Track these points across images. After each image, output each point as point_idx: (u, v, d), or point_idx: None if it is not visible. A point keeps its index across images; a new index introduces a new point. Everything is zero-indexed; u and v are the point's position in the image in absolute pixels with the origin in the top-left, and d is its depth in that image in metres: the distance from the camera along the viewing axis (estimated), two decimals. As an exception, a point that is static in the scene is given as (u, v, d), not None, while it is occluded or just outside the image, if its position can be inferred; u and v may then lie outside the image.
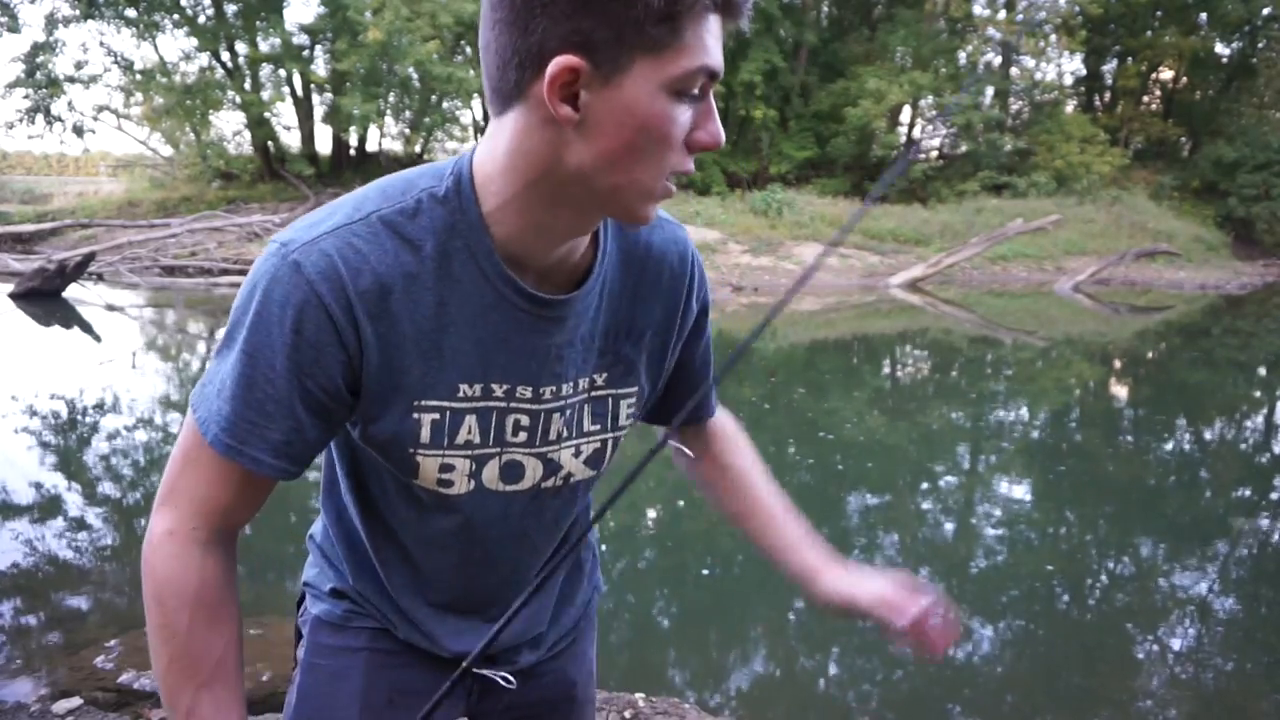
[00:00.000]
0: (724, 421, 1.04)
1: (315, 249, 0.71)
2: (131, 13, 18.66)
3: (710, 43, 0.67)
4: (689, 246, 0.90)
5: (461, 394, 0.78)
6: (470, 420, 0.80)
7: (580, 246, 0.79)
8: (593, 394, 0.86)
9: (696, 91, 0.67)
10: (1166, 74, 23.49)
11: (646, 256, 0.85)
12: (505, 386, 0.79)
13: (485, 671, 0.98)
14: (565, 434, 0.84)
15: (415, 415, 0.78)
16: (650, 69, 0.65)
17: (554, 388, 0.82)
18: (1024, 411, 6.95)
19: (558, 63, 0.64)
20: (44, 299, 9.80)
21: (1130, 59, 22.78)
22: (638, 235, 0.84)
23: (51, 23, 18.48)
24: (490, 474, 0.83)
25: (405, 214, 0.73)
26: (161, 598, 0.76)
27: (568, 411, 0.84)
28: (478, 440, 0.80)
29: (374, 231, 0.72)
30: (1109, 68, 23.97)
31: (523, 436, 0.82)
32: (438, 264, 0.73)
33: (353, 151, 21.96)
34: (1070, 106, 23.22)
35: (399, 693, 0.96)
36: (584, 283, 0.80)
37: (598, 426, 0.87)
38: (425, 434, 0.79)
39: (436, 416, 0.78)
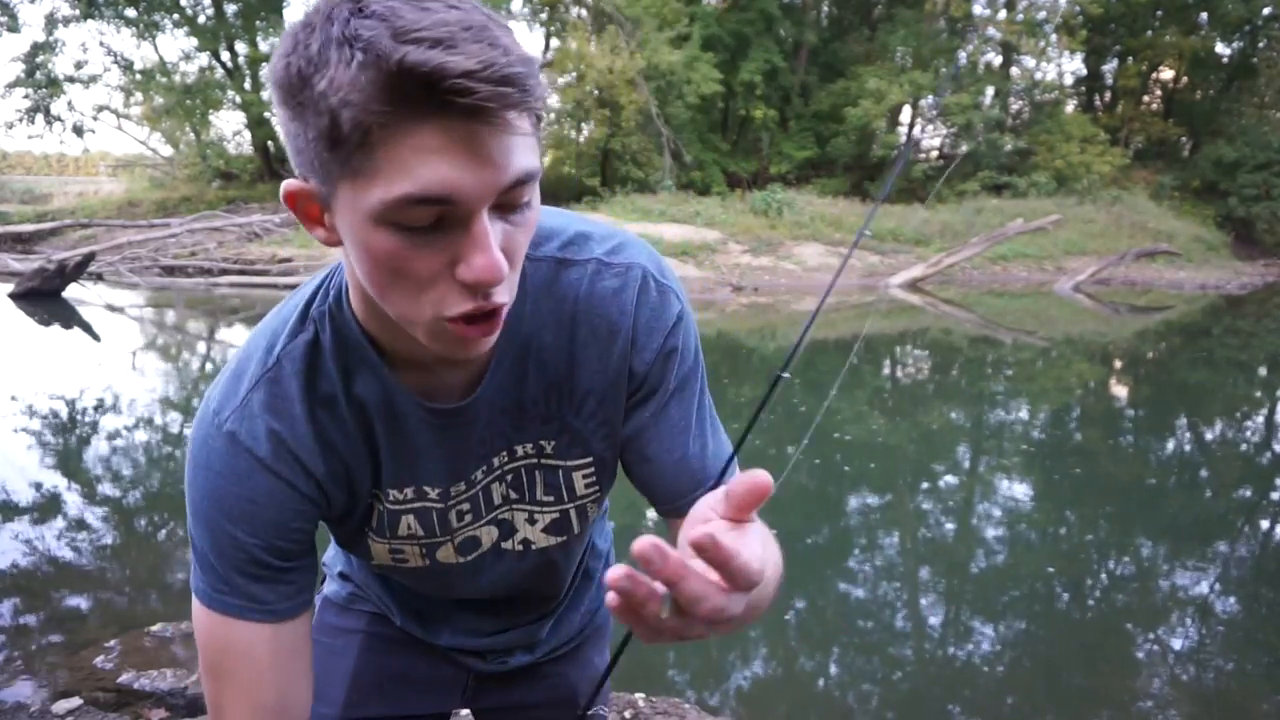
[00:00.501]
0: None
1: (245, 413, 0.69)
2: (131, 12, 18.68)
3: (413, 163, 0.51)
4: (635, 295, 0.73)
5: (393, 498, 0.76)
6: (408, 519, 0.78)
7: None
8: (542, 461, 0.78)
9: (417, 223, 0.53)
10: (1167, 74, 23.49)
11: (576, 312, 0.73)
12: (438, 490, 0.77)
13: (472, 662, 0.98)
14: (514, 496, 0.80)
15: (369, 502, 0.77)
16: (351, 196, 0.54)
17: (484, 467, 0.77)
18: (1024, 412, 6.95)
19: (285, 186, 0.60)
20: (44, 299, 9.80)
21: (1130, 59, 22.79)
22: (573, 287, 0.72)
23: (51, 22, 18.50)
24: (445, 553, 0.81)
25: (309, 344, 0.70)
26: None
27: (508, 476, 0.79)
28: (422, 533, 0.79)
29: (288, 372, 0.70)
30: (1109, 67, 23.98)
31: (469, 519, 0.80)
32: (345, 384, 0.71)
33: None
34: (1070, 106, 23.23)
35: (389, 678, 0.98)
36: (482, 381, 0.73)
37: (551, 498, 0.80)
38: (374, 520, 0.78)
39: (381, 508, 0.77)
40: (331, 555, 1.03)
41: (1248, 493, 4.95)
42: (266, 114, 19.92)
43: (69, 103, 19.72)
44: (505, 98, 0.51)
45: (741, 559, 0.43)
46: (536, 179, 0.57)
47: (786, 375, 0.67)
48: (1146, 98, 23.95)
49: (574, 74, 17.36)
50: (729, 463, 0.73)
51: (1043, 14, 20.36)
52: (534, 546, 0.82)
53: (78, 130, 19.89)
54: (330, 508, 0.75)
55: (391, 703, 0.98)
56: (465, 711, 1.05)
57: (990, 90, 21.10)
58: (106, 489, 4.45)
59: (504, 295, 0.59)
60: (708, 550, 0.42)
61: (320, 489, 0.72)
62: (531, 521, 0.81)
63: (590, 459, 0.78)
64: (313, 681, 0.76)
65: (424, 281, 0.56)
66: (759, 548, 0.46)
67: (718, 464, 0.77)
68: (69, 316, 9.47)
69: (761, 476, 0.45)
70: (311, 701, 0.77)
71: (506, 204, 0.56)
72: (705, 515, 0.49)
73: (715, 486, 0.69)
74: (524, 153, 0.55)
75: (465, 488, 0.78)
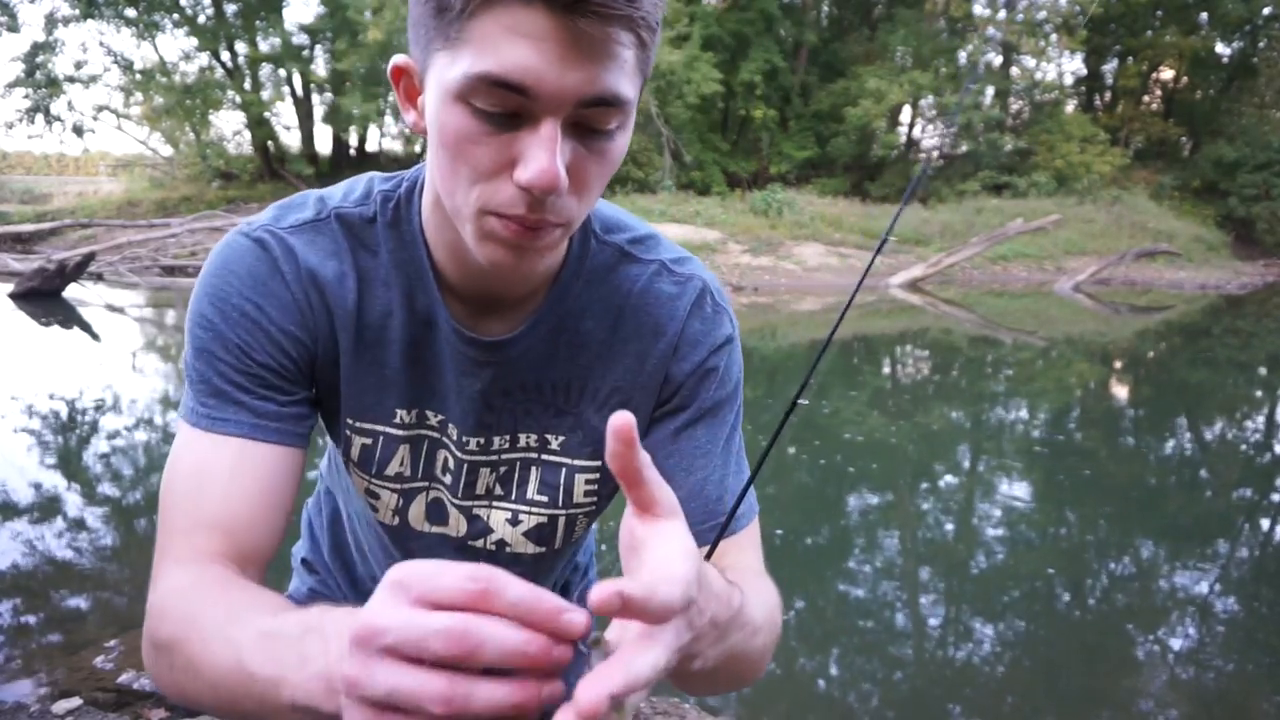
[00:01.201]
0: (747, 571, 0.67)
1: (281, 235, 0.67)
2: (131, 12, 18.66)
3: (500, 42, 0.50)
4: (689, 305, 0.72)
5: (398, 419, 0.72)
6: (403, 451, 0.73)
7: (534, 280, 0.69)
8: (543, 457, 0.74)
9: (491, 108, 0.52)
10: (1167, 74, 23.50)
11: (625, 305, 0.71)
12: (439, 417, 0.73)
13: None
14: (499, 492, 0.76)
15: (347, 433, 0.73)
16: (440, 67, 0.54)
17: (480, 439, 0.73)
18: (1024, 412, 6.95)
19: (394, 60, 0.60)
20: (44, 299, 9.80)
21: (1131, 59, 22.79)
22: (630, 282, 0.71)
23: (51, 22, 18.49)
24: (416, 512, 0.77)
25: (365, 218, 0.69)
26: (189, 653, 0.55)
27: (502, 468, 0.75)
28: (408, 473, 0.75)
29: (335, 231, 0.68)
30: (1109, 67, 23.99)
31: (448, 479, 0.75)
32: (387, 274, 0.69)
33: (353, 151, 21.98)
34: (1070, 106, 23.23)
35: None
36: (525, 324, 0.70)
37: (545, 499, 0.75)
38: (355, 453, 0.74)
39: (368, 441, 0.73)
40: (298, 545, 1.00)
41: (1248, 493, 4.95)
42: (266, 114, 19.95)
43: (69, 103, 19.74)
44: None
45: (658, 599, 0.39)
46: (626, 110, 0.55)
47: (804, 401, 0.66)
48: (1146, 97, 23.96)
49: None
50: (744, 491, 0.69)
51: (1043, 14, 20.37)
52: (509, 549, 0.78)
53: (77, 130, 19.88)
54: (312, 372, 0.70)
55: None
56: None
57: (990, 90, 21.10)
58: (106, 489, 4.45)
59: (557, 216, 0.57)
60: (615, 608, 0.39)
61: (314, 339, 0.68)
62: (513, 523, 0.76)
63: (599, 463, 0.74)
64: (272, 521, 0.66)
65: (482, 174, 0.55)
66: (687, 563, 0.42)
67: (733, 500, 0.72)
68: (69, 316, 9.46)
69: (622, 418, 0.42)
70: (266, 542, 0.65)
71: (586, 124, 0.55)
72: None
73: (728, 523, 0.66)
74: (617, 74, 0.53)
75: (457, 439, 0.73)
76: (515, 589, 0.39)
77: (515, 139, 0.53)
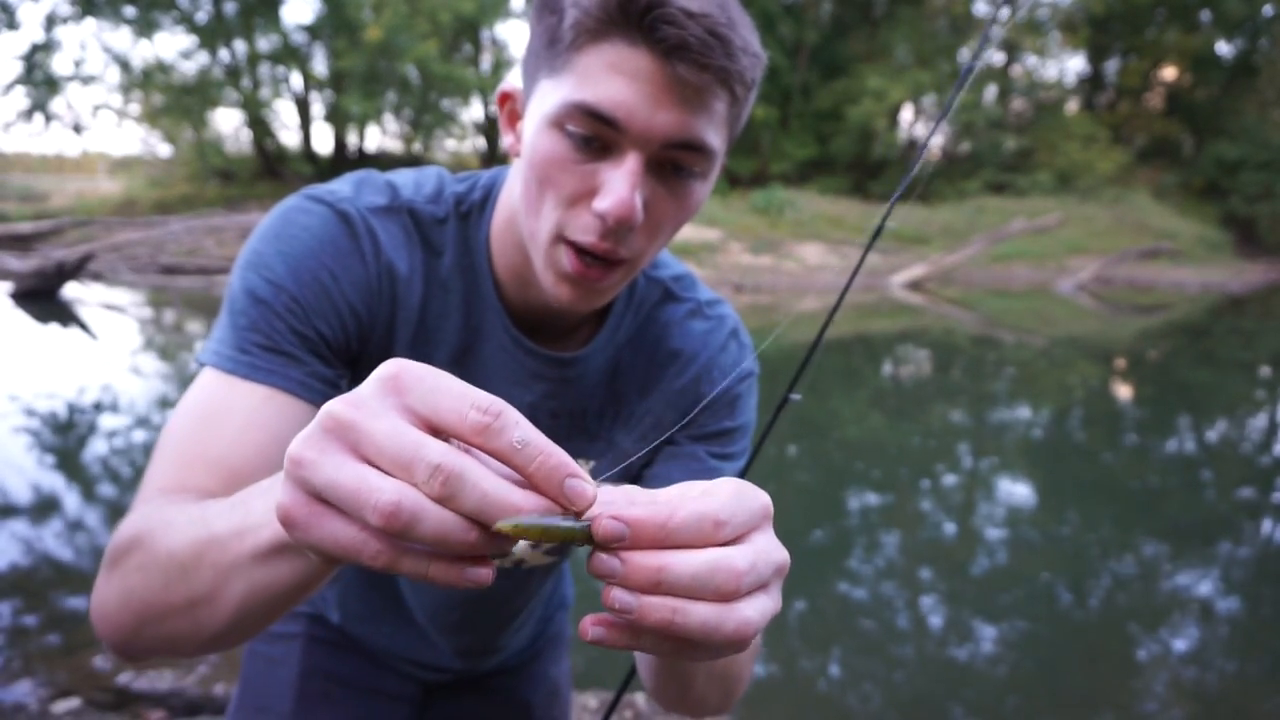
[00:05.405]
0: None
1: (363, 212, 0.66)
2: (130, 11, 18.65)
3: (601, 75, 0.53)
4: (722, 340, 0.76)
5: None
6: None
7: (589, 312, 0.70)
8: None
9: (583, 133, 0.55)
10: (1169, 73, 23.47)
11: (664, 338, 0.74)
12: None
13: (412, 671, 0.94)
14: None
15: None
16: (543, 94, 0.57)
17: None
18: (1025, 412, 6.94)
19: (502, 85, 0.63)
20: (42, 298, 9.79)
21: (1133, 57, 22.77)
22: (669, 315, 0.74)
23: (50, 21, 18.48)
24: None
25: (435, 218, 0.69)
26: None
27: None
28: None
29: (406, 225, 0.68)
30: (1111, 66, 23.96)
31: None
32: (448, 277, 0.69)
33: (352, 150, 21.96)
34: (1072, 105, 23.21)
35: (335, 683, 0.93)
36: (586, 346, 0.72)
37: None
38: None
39: None
40: None
41: (1249, 493, 4.94)
42: (264, 113, 19.94)
43: (67, 102, 19.75)
44: (709, 47, 0.52)
45: (685, 510, 0.37)
46: (710, 158, 0.58)
47: (797, 397, 0.67)
48: (1149, 95, 23.93)
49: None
50: (749, 452, 0.73)
51: (1045, 12, 20.34)
52: (524, 567, 0.80)
53: (76, 129, 19.88)
54: (357, 360, 0.69)
55: (340, 711, 0.93)
56: None
57: (993, 89, 21.09)
58: (106, 489, 4.44)
59: (626, 251, 0.59)
60: (619, 535, 0.37)
61: (371, 328, 0.67)
62: (535, 543, 0.77)
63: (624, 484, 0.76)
64: (261, 466, 0.60)
65: (564, 199, 0.57)
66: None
67: None
68: (67, 316, 9.46)
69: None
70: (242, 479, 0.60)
71: (669, 163, 0.57)
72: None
73: None
74: (706, 123, 0.55)
75: None
76: (523, 429, 0.35)
77: (600, 169, 0.56)
